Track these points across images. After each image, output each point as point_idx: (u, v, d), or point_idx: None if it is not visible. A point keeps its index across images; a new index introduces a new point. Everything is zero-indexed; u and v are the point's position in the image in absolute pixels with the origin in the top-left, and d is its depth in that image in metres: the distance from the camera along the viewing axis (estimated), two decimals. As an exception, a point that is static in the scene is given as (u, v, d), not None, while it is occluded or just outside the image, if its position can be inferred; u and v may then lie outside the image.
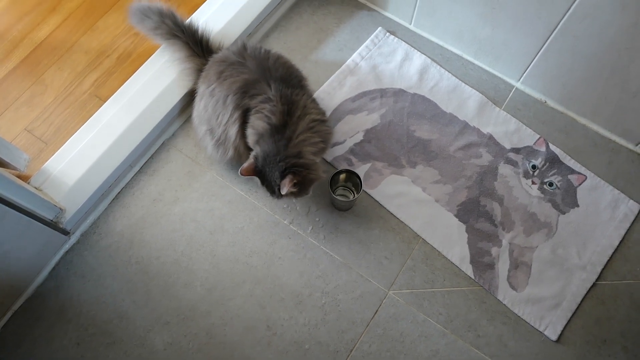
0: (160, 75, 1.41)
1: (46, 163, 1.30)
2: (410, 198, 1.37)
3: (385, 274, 1.29)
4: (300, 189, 1.16)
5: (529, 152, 1.42)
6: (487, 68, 1.54)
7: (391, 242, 1.32)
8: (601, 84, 1.33)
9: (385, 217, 1.35)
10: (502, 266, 1.29)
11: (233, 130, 1.21)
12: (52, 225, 1.22)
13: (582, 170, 1.40)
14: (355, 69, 1.53)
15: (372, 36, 1.58)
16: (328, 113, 1.45)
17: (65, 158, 1.30)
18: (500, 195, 1.37)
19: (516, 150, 1.42)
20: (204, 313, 1.24)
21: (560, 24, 1.25)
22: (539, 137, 1.44)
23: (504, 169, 1.40)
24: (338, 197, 1.29)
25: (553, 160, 1.40)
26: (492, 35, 1.42)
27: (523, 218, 1.34)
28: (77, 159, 1.30)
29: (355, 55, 1.55)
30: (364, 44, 1.57)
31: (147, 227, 1.33)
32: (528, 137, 1.44)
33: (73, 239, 1.31)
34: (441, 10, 1.47)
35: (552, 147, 1.42)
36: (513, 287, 1.27)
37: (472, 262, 1.30)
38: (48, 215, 1.21)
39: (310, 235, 1.33)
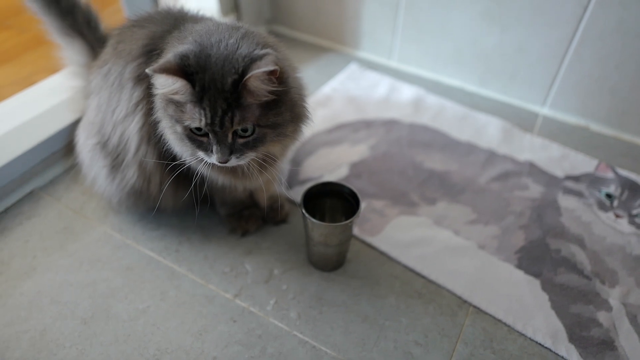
0: (47, 95, 0.96)
1: None
2: (439, 245, 0.83)
3: (422, 373, 0.67)
4: (281, 101, 0.60)
5: (592, 180, 0.97)
6: (498, 97, 1.18)
7: (422, 315, 0.73)
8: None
9: (402, 276, 0.79)
10: (628, 343, 0.71)
11: (134, 127, 0.71)
12: None
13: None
14: (328, 102, 1.13)
15: (347, 71, 1.23)
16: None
17: None
18: (577, 234, 0.86)
19: (574, 179, 0.97)
20: None
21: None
22: (599, 162, 1.01)
23: (567, 201, 0.92)
24: (320, 222, 0.73)
25: (633, 187, 0.95)
26: (500, 46, 1.10)
27: (628, 265, 0.81)
28: None
29: (325, 88, 1.17)
30: (336, 78, 1.20)
31: (-38, 321, 0.70)
32: (583, 163, 1.01)
33: None
34: (429, 34, 1.16)
35: (623, 173, 0.98)
36: (663, 381, 0.67)
37: (572, 339, 0.71)
38: None
39: (273, 314, 0.73)
